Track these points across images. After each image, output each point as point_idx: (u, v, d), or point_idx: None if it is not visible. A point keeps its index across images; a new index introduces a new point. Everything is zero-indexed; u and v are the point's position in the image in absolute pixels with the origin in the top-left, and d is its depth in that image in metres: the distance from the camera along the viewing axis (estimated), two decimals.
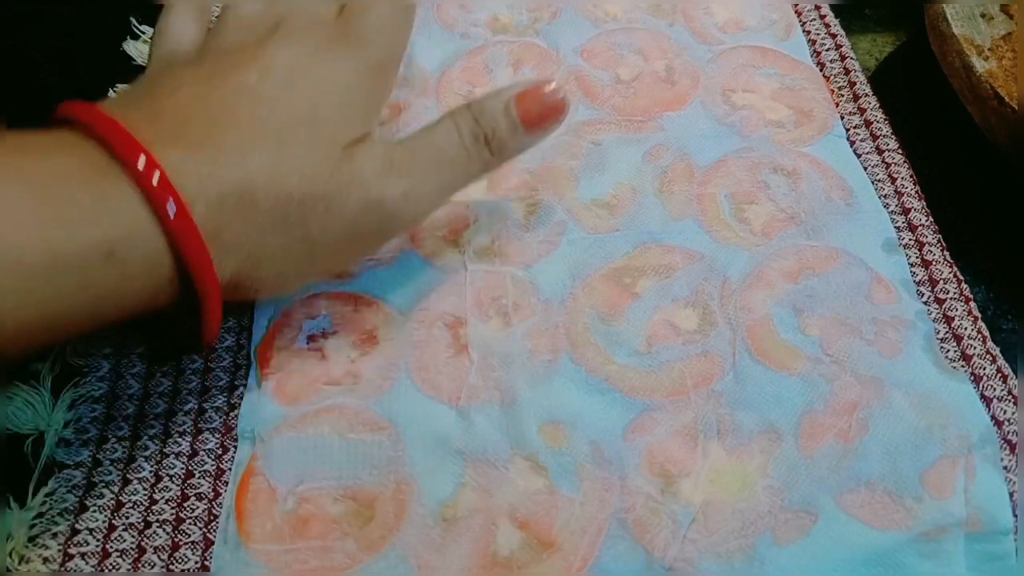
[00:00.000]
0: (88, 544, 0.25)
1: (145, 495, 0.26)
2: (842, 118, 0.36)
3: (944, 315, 0.30)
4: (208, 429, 0.28)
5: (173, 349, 0.29)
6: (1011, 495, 0.26)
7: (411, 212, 0.27)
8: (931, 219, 0.33)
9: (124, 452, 0.27)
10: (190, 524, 0.26)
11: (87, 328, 0.24)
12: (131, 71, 0.38)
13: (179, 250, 0.23)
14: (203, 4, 0.31)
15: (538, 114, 0.28)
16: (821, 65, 0.38)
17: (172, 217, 0.23)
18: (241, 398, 0.28)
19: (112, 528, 0.26)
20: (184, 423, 0.28)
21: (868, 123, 0.36)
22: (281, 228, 0.25)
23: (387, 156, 0.27)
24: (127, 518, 0.26)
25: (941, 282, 0.31)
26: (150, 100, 0.26)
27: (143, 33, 0.39)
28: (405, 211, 0.27)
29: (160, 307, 0.25)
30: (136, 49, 0.39)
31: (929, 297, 0.30)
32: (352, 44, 0.28)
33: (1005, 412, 0.27)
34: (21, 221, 0.22)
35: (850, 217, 0.32)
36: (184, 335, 0.29)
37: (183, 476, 0.27)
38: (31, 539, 0.25)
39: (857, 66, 0.38)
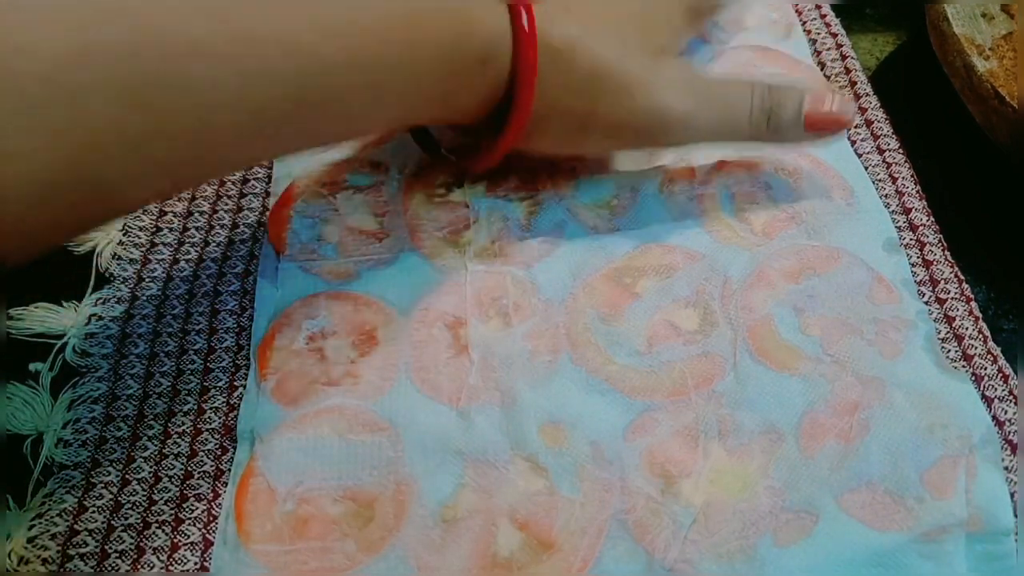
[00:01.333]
0: (87, 545, 0.25)
1: (144, 496, 0.26)
2: None
3: (945, 315, 0.30)
4: (207, 430, 0.28)
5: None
6: (1012, 495, 0.25)
7: (680, 133, 0.30)
8: (932, 219, 0.32)
9: (123, 453, 0.27)
10: (189, 525, 0.26)
11: (419, 122, 0.29)
12: None
13: (517, 67, 0.26)
14: None
15: (821, 120, 0.30)
16: (822, 65, 0.38)
17: (526, 28, 0.26)
18: (240, 399, 0.28)
19: (111, 529, 0.26)
20: (183, 424, 0.28)
21: (869, 122, 0.36)
22: (580, 94, 0.28)
23: (687, 76, 0.30)
24: (126, 519, 0.26)
25: (942, 282, 0.31)
26: None
27: None
28: (677, 129, 0.29)
29: (465, 124, 0.29)
30: None
31: (930, 297, 0.30)
32: None
33: (1006, 412, 0.27)
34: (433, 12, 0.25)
35: (851, 217, 0.32)
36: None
37: (182, 477, 0.27)
38: (30, 540, 0.25)
39: (858, 65, 0.38)
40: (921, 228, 0.32)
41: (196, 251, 0.32)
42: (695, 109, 0.29)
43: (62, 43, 0.18)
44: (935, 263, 0.31)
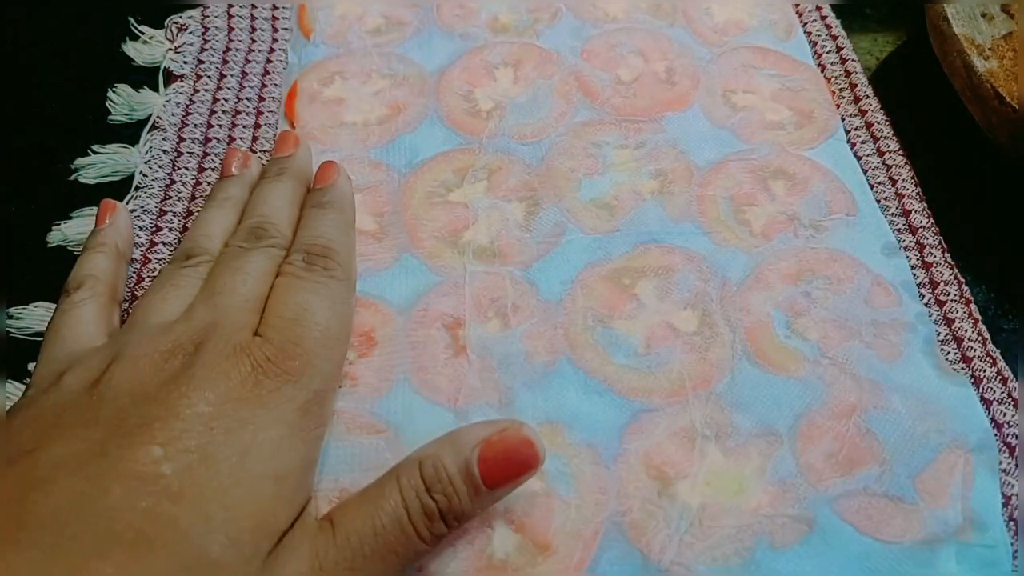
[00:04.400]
0: None
1: None
2: (843, 119, 0.36)
3: (945, 317, 0.30)
4: None
5: None
6: (1006, 503, 0.25)
7: None
8: (932, 220, 0.32)
9: None
10: None
11: None
12: (130, 72, 0.38)
13: None
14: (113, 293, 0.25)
15: (505, 472, 0.23)
16: (822, 67, 0.38)
17: None
18: None
19: None
20: None
21: (869, 124, 0.36)
22: None
23: (316, 561, 0.21)
24: None
25: (942, 284, 0.30)
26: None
27: (143, 34, 0.39)
28: None
29: None
30: (136, 50, 0.39)
31: (930, 299, 0.30)
32: (281, 375, 0.23)
33: (1005, 415, 0.27)
34: None
35: (850, 220, 0.32)
36: None
37: None
38: None
39: (859, 67, 0.38)
40: (921, 230, 0.32)
41: None
42: None
43: None
44: (935, 265, 0.31)
